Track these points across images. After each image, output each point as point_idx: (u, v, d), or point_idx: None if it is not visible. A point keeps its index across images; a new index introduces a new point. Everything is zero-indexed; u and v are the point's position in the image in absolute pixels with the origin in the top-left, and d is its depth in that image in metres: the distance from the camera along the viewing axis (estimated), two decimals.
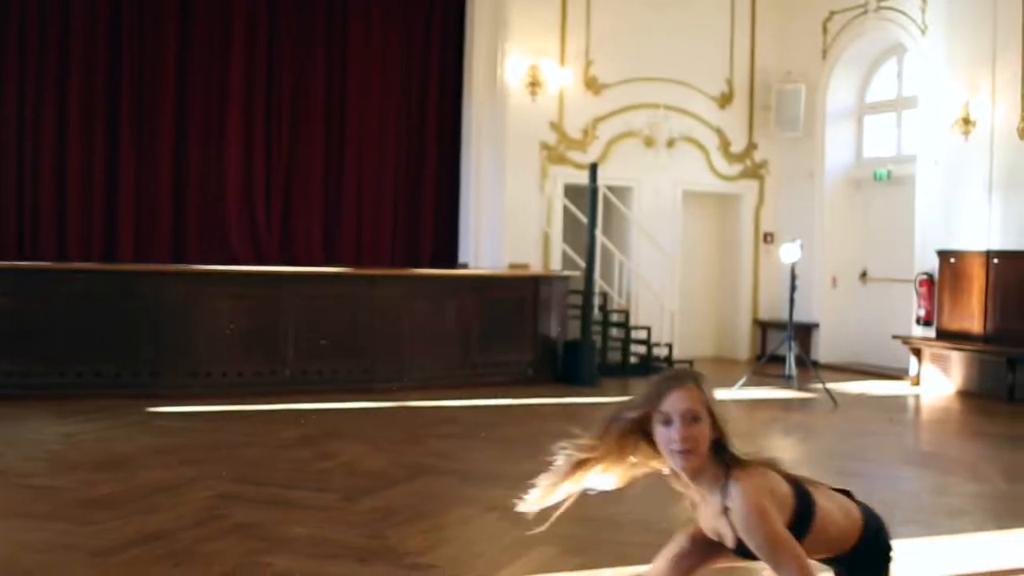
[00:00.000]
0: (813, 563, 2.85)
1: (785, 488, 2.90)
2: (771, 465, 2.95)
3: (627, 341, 11.52)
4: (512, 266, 11.24)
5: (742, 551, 2.88)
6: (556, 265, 11.62)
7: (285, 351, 8.91)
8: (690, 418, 2.86)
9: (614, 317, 11.74)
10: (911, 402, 10.24)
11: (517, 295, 10.26)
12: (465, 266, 11.50)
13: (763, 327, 13.47)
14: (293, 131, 11.31)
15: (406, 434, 7.23)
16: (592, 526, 4.92)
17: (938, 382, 10.96)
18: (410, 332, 9.47)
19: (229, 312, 8.72)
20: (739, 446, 2.88)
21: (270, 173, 11.21)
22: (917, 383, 11.15)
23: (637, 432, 2.97)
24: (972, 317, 10.89)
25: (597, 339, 10.86)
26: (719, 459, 2.88)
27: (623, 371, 11.16)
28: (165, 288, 8.63)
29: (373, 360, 9.27)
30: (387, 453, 6.43)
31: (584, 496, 5.56)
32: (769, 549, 2.76)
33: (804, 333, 12.61)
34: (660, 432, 2.90)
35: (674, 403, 2.88)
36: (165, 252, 10.57)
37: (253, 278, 9.27)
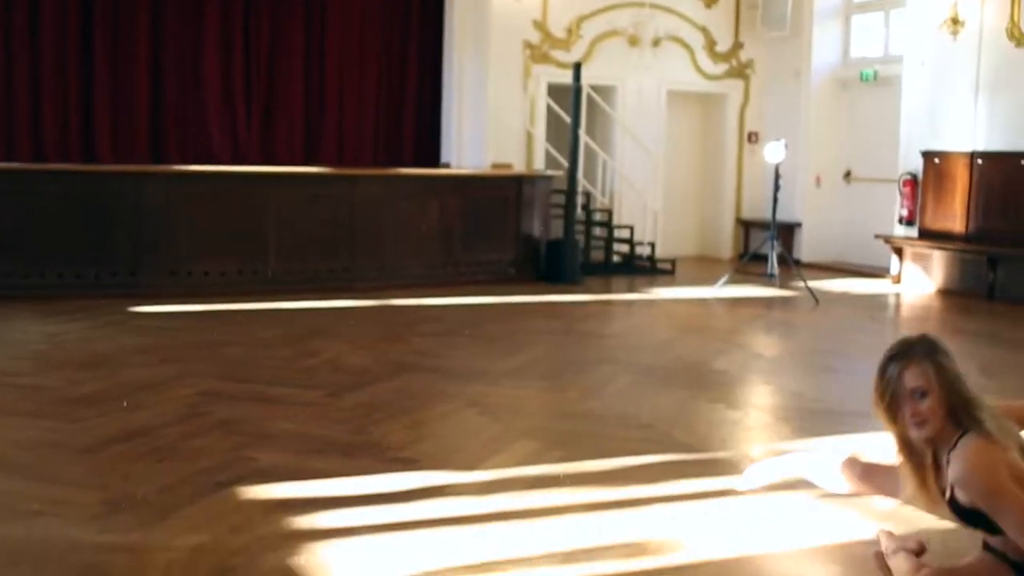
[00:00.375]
0: None
1: None
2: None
3: (610, 240, 11.54)
4: (495, 166, 11.16)
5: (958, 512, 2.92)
6: (539, 165, 11.55)
7: (267, 250, 8.88)
8: (918, 395, 2.88)
9: (597, 216, 11.73)
10: (892, 300, 10.32)
11: (500, 195, 10.22)
12: (447, 166, 11.43)
13: (746, 226, 13.49)
14: (274, 29, 11.09)
15: (389, 332, 7.26)
16: (572, 421, 4.99)
17: (919, 281, 11.03)
18: (392, 232, 9.45)
19: (209, 212, 8.66)
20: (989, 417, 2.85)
21: (250, 73, 11.03)
22: (898, 282, 11.21)
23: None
24: (954, 217, 10.92)
25: (580, 238, 10.86)
26: (957, 425, 2.87)
27: (606, 270, 11.21)
28: (145, 188, 8.55)
29: (355, 259, 9.26)
30: (370, 351, 6.46)
31: (563, 392, 5.65)
32: (988, 494, 2.76)
33: (787, 232, 12.63)
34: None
35: (901, 384, 2.89)
36: (144, 153, 10.43)
37: (233, 178, 9.19)
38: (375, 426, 4.68)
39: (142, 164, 9.69)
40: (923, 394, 2.86)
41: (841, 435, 4.83)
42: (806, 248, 12.90)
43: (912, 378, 2.87)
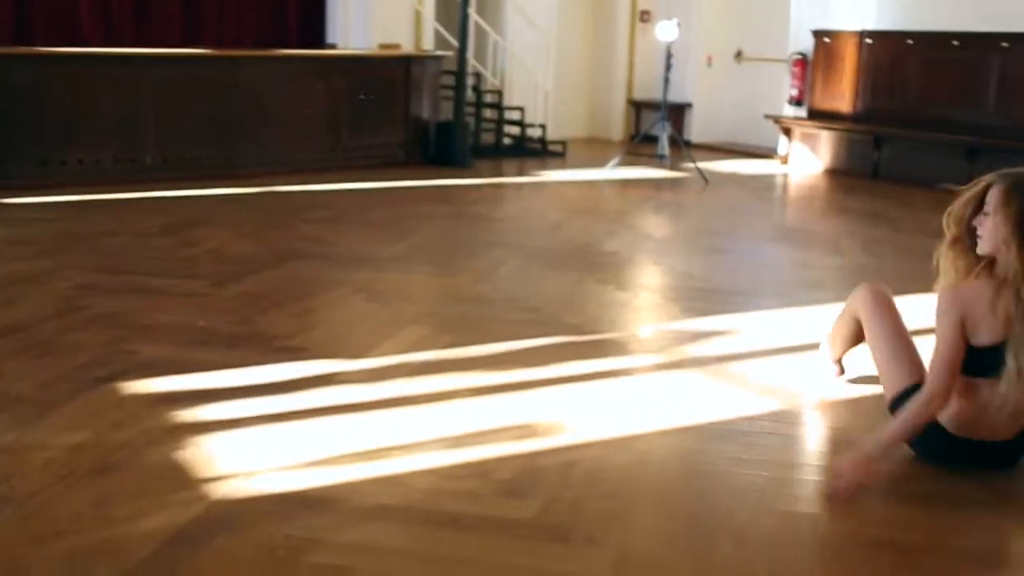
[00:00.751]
0: None
1: None
2: None
3: (500, 122, 11.46)
4: (382, 46, 10.91)
5: None
6: (428, 45, 11.32)
7: (144, 138, 8.58)
8: None
9: (487, 98, 11.61)
10: (780, 181, 10.51)
11: (388, 76, 10.02)
12: (333, 47, 11.13)
13: (637, 107, 13.52)
14: None
15: (274, 219, 7.13)
16: (462, 305, 5.01)
17: (807, 161, 11.24)
18: (277, 116, 9.21)
19: (82, 98, 8.30)
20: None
21: None
22: (786, 162, 11.41)
23: None
24: (843, 97, 11.10)
25: (470, 120, 10.76)
26: None
27: (496, 152, 11.15)
28: (11, 72, 8.14)
29: (238, 146, 9.02)
30: (254, 239, 6.34)
31: (452, 276, 5.64)
32: None
33: (678, 113, 12.70)
34: None
35: None
36: (8, 35, 9.91)
37: (107, 60, 8.79)
38: (260, 315, 4.62)
39: (6, 46, 9.22)
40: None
41: (729, 314, 4.95)
42: (696, 129, 13.01)
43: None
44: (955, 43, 10.09)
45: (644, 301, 5.34)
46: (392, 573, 2.48)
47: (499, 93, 11.70)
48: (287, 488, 2.88)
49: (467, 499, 2.86)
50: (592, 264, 6.03)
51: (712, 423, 3.53)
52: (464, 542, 2.63)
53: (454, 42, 10.58)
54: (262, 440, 3.22)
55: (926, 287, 5.72)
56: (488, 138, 11.39)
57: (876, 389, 3.94)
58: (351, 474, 2.99)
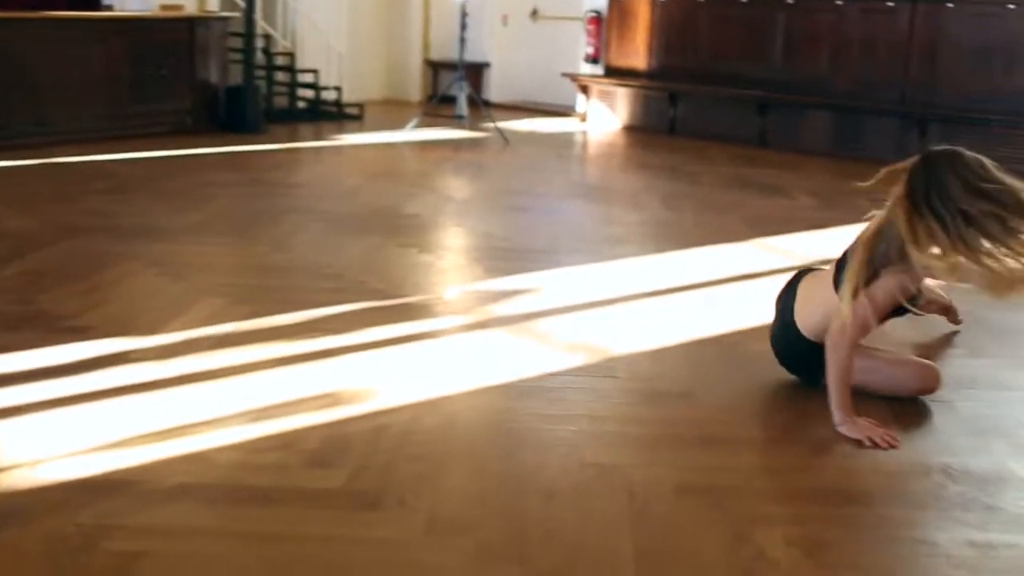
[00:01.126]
0: None
1: None
2: None
3: (293, 85, 11.24)
4: (164, 7, 10.50)
5: None
6: (213, 6, 10.97)
7: None
8: None
9: (279, 60, 11.37)
10: (579, 138, 10.70)
11: (171, 39, 9.65)
12: (110, 8, 10.63)
13: (434, 67, 13.50)
14: None
15: (54, 192, 6.79)
16: (259, 275, 4.91)
17: (605, 118, 11.49)
18: (52, 83, 8.74)
19: None
20: None
21: None
22: (585, 120, 11.63)
23: None
24: (637, 54, 11.38)
25: (261, 84, 10.51)
26: None
27: (290, 117, 10.94)
28: None
29: (11, 115, 8.53)
30: (34, 214, 6.02)
31: (249, 246, 5.51)
32: None
33: (475, 73, 12.75)
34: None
35: None
36: None
37: None
38: (42, 295, 4.40)
39: None
40: None
41: (533, 272, 5.03)
42: (495, 88, 13.10)
43: None
44: (743, 0, 10.48)
45: (448, 263, 5.36)
46: (195, 554, 2.42)
47: (291, 55, 11.45)
48: (78, 475, 2.76)
49: (273, 472, 2.82)
50: (394, 228, 6.01)
51: (519, 381, 3.58)
52: (270, 517, 2.59)
53: (240, 2, 10.29)
54: (48, 426, 3.07)
55: (725, 238, 6.00)
56: (281, 102, 11.16)
57: (679, 339, 4.10)
58: (147, 455, 2.89)
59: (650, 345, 4.02)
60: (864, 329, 3.30)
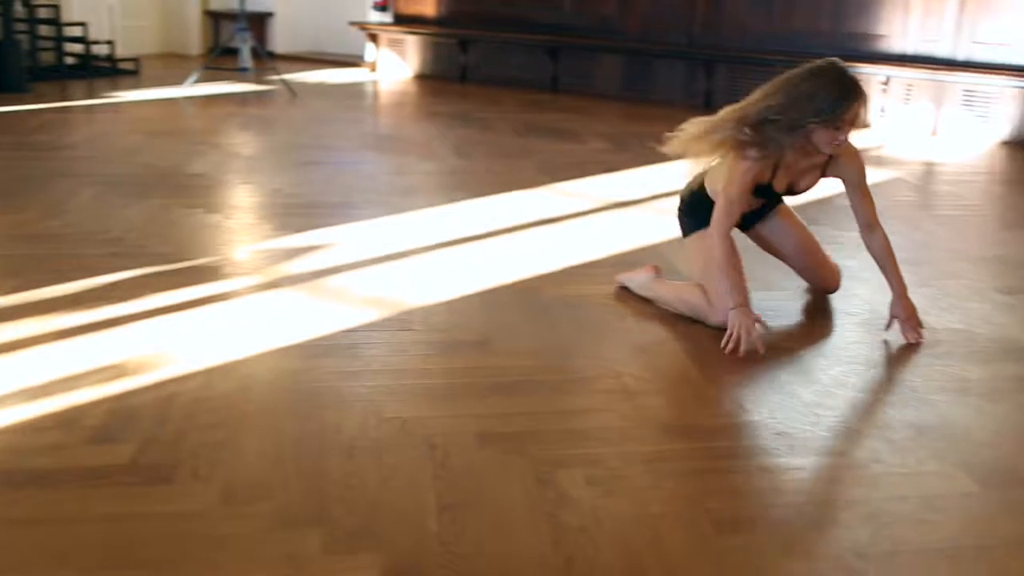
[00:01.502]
0: None
1: None
2: None
3: (60, 40, 10.70)
4: None
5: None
6: None
7: None
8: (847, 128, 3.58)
9: (41, 13, 10.78)
10: (370, 88, 10.59)
11: None
12: None
13: (215, 18, 13.09)
14: None
15: None
16: (29, 244, 4.68)
17: (396, 67, 11.41)
18: None
19: None
20: None
21: None
22: (375, 69, 11.53)
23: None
24: (426, 1, 11.33)
25: (23, 39, 9.96)
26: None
27: (59, 74, 10.43)
28: None
29: None
30: None
31: (17, 214, 5.25)
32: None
33: (258, 23, 12.45)
34: (823, 134, 3.54)
35: (855, 116, 3.54)
36: None
37: None
38: None
39: None
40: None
41: (325, 227, 4.98)
42: (280, 39, 12.83)
43: (862, 115, 3.61)
44: None
45: (236, 222, 5.24)
46: None
47: (55, 7, 10.88)
48: None
49: (53, 452, 2.71)
50: (177, 188, 5.83)
51: (315, 339, 3.55)
52: (50, 499, 2.49)
53: None
54: None
55: (519, 184, 6.08)
56: (48, 58, 10.62)
57: (475, 288, 4.14)
58: None
59: (446, 296, 4.05)
60: (730, 204, 3.68)
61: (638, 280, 4.11)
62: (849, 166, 3.77)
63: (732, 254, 3.62)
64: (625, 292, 4.15)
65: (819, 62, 3.58)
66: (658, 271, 4.10)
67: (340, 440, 2.82)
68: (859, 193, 3.79)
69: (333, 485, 2.58)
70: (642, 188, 6.14)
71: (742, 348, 3.48)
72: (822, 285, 4.15)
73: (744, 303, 3.56)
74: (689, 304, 3.84)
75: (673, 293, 3.94)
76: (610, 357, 3.48)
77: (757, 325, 3.56)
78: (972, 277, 4.43)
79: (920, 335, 3.71)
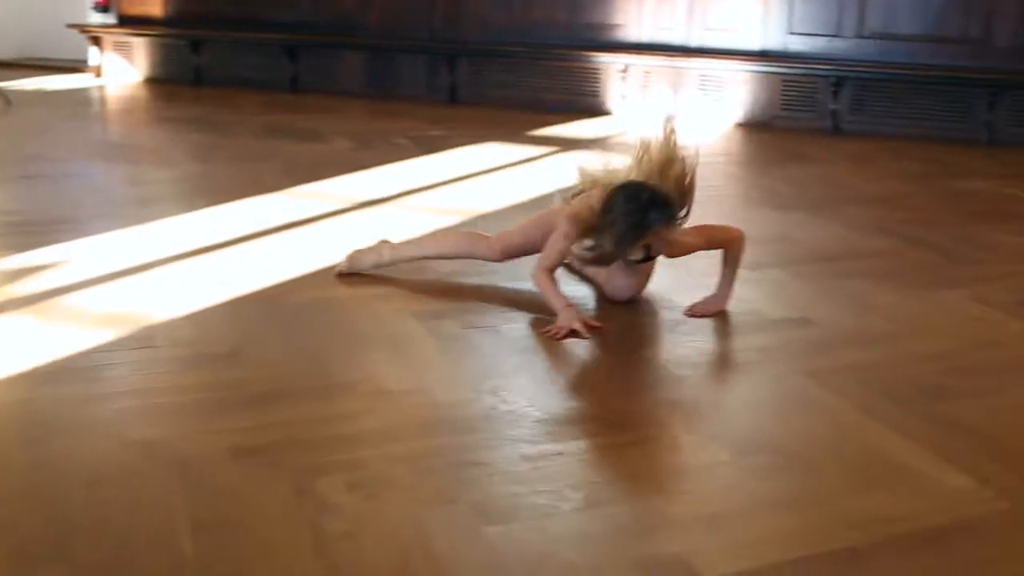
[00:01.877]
0: None
1: None
2: None
3: None
4: None
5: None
6: None
7: None
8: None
9: None
10: (95, 94, 10.19)
11: None
12: None
13: None
14: None
15: None
16: None
17: (123, 71, 11.01)
18: None
19: None
20: None
21: None
22: (100, 74, 11.09)
23: None
24: (153, 1, 10.97)
25: None
26: None
27: None
28: None
29: None
30: None
31: None
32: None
33: None
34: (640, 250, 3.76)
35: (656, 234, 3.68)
36: None
37: None
38: None
39: None
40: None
41: (54, 245, 4.74)
42: None
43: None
44: None
45: None
46: None
47: None
48: None
49: None
50: None
51: (47, 365, 3.37)
52: None
53: None
54: None
55: (261, 189, 5.98)
56: None
57: (219, 298, 4.05)
58: None
59: (190, 308, 3.94)
60: (546, 271, 3.87)
61: (371, 259, 4.27)
62: (676, 246, 3.87)
63: (554, 286, 3.86)
64: (358, 278, 4.27)
65: (619, 186, 3.71)
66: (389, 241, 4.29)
67: (80, 469, 2.69)
68: (702, 243, 3.97)
69: (76, 516, 2.46)
70: (389, 185, 6.16)
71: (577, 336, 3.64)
72: (610, 295, 4.15)
73: (572, 304, 3.77)
74: (458, 247, 4.20)
75: (430, 243, 4.29)
76: (368, 358, 3.48)
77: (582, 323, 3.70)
78: (716, 256, 4.66)
79: (702, 314, 3.95)
